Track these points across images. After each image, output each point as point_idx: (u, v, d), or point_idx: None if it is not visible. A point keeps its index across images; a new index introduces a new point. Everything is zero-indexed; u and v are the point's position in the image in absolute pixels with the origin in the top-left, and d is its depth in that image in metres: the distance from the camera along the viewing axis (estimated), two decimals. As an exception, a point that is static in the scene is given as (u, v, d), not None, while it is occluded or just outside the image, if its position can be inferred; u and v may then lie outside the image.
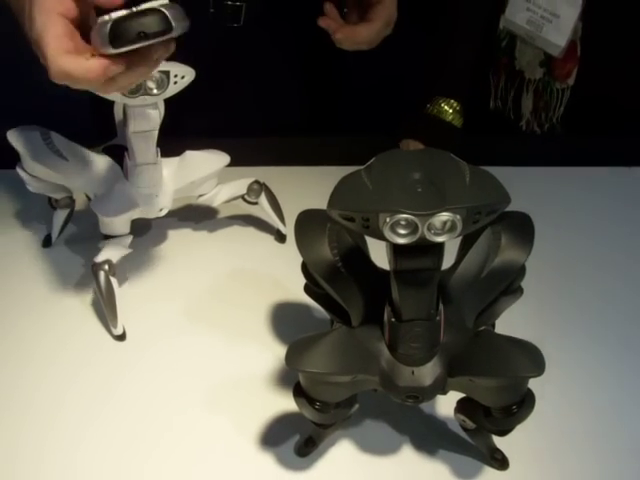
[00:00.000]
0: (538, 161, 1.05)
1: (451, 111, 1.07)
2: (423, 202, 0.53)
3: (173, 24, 0.63)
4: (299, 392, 0.63)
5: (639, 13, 1.06)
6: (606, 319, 0.83)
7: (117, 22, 0.62)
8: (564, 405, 0.74)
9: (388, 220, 0.53)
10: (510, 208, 0.57)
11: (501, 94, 1.13)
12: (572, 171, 1.04)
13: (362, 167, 0.56)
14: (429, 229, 0.53)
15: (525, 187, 0.93)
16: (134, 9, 0.63)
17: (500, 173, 0.57)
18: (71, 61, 0.63)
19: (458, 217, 0.53)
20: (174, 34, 0.64)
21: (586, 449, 0.70)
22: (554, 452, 0.70)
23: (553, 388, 0.72)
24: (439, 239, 0.54)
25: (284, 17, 1.08)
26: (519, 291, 0.69)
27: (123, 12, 0.63)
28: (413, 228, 0.53)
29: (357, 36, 0.94)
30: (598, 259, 0.91)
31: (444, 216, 0.53)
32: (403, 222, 0.53)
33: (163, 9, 0.63)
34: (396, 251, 0.56)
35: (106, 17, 0.63)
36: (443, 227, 0.54)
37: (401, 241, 0.54)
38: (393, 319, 0.60)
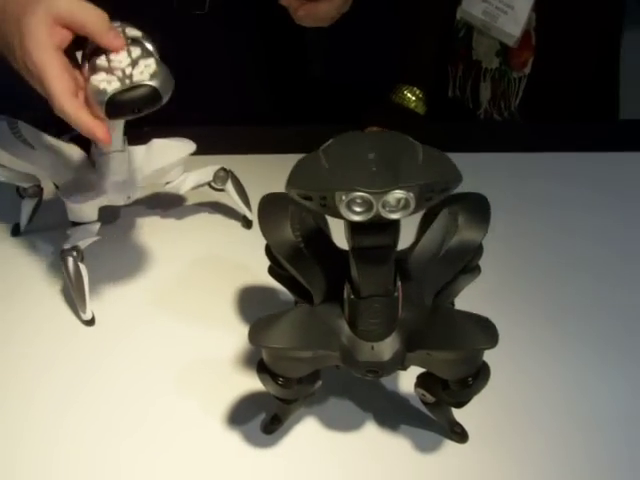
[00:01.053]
0: (497, 147, 1.07)
1: (414, 99, 1.09)
2: (377, 180, 0.55)
3: (163, 97, 0.69)
4: (262, 368, 0.65)
5: (589, 2, 1.09)
6: (559, 295, 0.86)
7: (113, 97, 0.68)
8: (519, 377, 0.76)
9: (344, 198, 0.55)
10: (468, 191, 0.58)
11: (460, 83, 1.15)
12: (529, 157, 1.07)
13: (320, 148, 0.58)
14: (384, 206, 0.55)
15: (483, 172, 0.96)
16: (127, 82, 0.68)
17: (460, 159, 0.59)
18: (74, 109, 0.69)
19: (411, 194, 0.55)
20: (162, 103, 0.70)
21: (541, 419, 0.73)
22: (511, 423, 0.72)
23: (508, 361, 0.73)
24: (394, 216, 0.56)
25: (247, 2, 1.10)
26: (477, 270, 0.71)
27: (117, 85, 0.68)
28: (368, 206, 0.55)
29: (318, 12, 0.95)
30: (552, 239, 0.93)
31: (398, 194, 0.55)
32: (359, 200, 0.55)
33: (154, 84, 0.69)
34: (353, 229, 0.58)
35: (101, 87, 0.68)
36: (397, 204, 0.55)
37: (357, 218, 0.56)
38: (352, 296, 0.62)
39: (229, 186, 0.92)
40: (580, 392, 0.76)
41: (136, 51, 0.70)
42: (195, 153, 0.90)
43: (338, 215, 0.56)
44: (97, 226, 0.85)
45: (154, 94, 0.69)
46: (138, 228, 0.94)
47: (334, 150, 0.58)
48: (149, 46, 0.71)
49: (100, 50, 0.70)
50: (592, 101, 1.17)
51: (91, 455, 0.70)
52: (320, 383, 0.68)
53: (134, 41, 0.71)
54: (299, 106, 1.23)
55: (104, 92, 0.68)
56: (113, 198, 0.85)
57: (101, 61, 0.70)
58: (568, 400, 0.75)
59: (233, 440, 0.71)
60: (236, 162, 0.97)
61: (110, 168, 0.83)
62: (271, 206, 0.70)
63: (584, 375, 0.77)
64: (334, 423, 0.72)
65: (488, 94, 1.13)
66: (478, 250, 0.69)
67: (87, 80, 0.70)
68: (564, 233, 0.94)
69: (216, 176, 0.92)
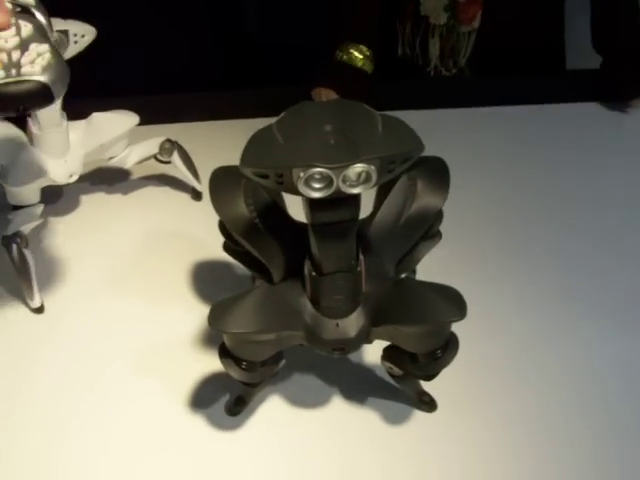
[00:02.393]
0: (447, 103, 1.06)
1: (361, 57, 1.07)
2: (336, 154, 0.52)
3: (55, 97, 0.58)
4: (225, 353, 0.63)
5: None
6: (523, 258, 0.85)
7: None
8: (487, 345, 0.75)
9: (302, 175, 0.52)
10: (425, 152, 0.57)
11: (408, 40, 1.14)
12: (482, 111, 1.06)
13: (273, 122, 0.55)
14: (344, 181, 0.53)
15: (435, 128, 0.93)
16: (13, 72, 0.57)
17: (410, 116, 0.57)
18: None
19: (372, 167, 0.53)
20: (53, 103, 0.59)
21: (510, 385, 0.72)
22: (480, 390, 0.72)
23: (476, 329, 0.72)
24: (354, 191, 0.53)
25: None
26: (438, 235, 0.69)
27: (1, 74, 0.57)
28: (328, 181, 0.53)
29: None
30: (513, 199, 0.93)
31: (358, 167, 0.52)
32: (317, 176, 0.52)
33: (46, 79, 0.57)
34: (312, 206, 0.55)
35: None
36: (358, 178, 0.53)
37: (316, 195, 0.53)
38: (314, 273, 0.60)
39: (175, 158, 0.89)
40: (551, 355, 0.75)
41: (27, 28, 0.58)
42: (140, 124, 0.86)
43: (296, 192, 0.53)
44: (40, 208, 0.81)
45: (45, 92, 0.57)
46: (83, 207, 0.90)
47: (288, 123, 0.55)
48: (43, 19, 0.59)
49: None
50: (540, 52, 1.16)
51: (53, 445, 0.67)
52: (284, 362, 0.66)
53: (24, 11, 0.59)
54: (240, 67, 1.20)
55: None
56: (55, 177, 0.81)
57: None
58: (538, 363, 0.74)
59: (198, 424, 0.69)
60: (181, 130, 0.94)
61: (49, 145, 0.80)
62: (222, 181, 0.67)
63: (554, 337, 0.77)
64: (300, 400, 0.71)
65: (437, 50, 1.12)
66: (438, 215, 0.68)
67: None
68: (525, 191, 0.94)
69: (162, 148, 0.89)
